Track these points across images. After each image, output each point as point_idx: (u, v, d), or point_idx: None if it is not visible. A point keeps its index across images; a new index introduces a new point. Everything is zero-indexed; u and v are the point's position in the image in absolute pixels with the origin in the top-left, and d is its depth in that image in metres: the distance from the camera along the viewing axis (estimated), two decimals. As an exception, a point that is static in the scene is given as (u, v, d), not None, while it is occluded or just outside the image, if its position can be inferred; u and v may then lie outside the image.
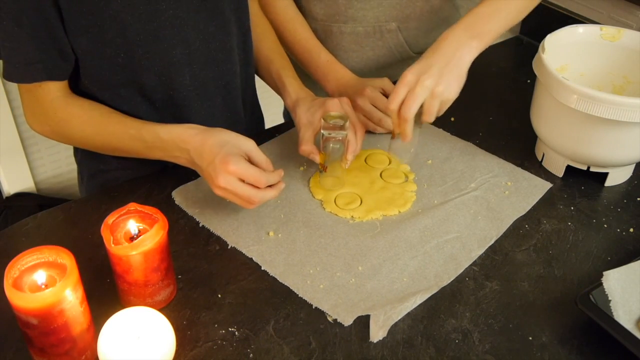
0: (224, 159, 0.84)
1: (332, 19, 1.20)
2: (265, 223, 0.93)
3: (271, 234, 0.92)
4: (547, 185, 1.02)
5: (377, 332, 0.78)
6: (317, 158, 0.97)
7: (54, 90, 0.91)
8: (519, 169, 1.05)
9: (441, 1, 1.23)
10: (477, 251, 0.90)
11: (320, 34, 1.22)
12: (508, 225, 0.94)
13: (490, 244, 0.91)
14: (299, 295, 0.82)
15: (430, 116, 0.93)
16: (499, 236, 0.92)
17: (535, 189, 1.01)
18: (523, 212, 0.96)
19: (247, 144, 0.88)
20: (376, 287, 0.84)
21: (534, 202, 0.98)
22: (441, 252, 0.89)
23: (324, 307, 0.81)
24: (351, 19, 1.19)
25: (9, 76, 0.89)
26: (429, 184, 1.02)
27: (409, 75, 0.91)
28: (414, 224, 0.93)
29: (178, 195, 0.98)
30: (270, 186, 0.89)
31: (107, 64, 0.91)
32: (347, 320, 0.79)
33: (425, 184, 1.01)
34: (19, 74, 0.88)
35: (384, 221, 0.94)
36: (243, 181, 0.86)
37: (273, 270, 0.86)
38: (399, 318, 0.79)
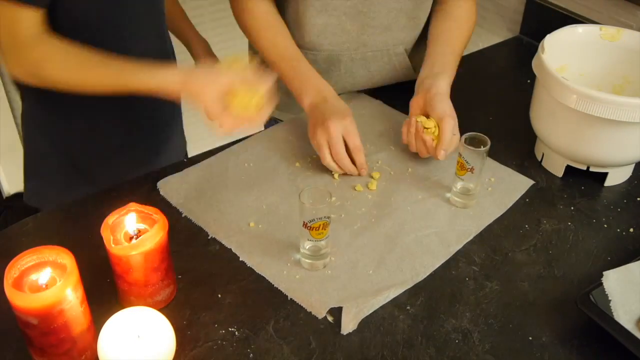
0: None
1: (341, 47, 1.16)
2: (246, 214, 0.94)
3: (252, 224, 0.92)
4: (529, 183, 1.02)
5: (348, 325, 0.78)
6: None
7: (30, 25, 0.87)
8: (502, 166, 1.05)
9: None
10: (455, 246, 0.90)
11: (324, 62, 1.18)
12: (489, 222, 0.94)
13: (469, 239, 0.91)
14: (275, 285, 0.83)
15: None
16: (478, 232, 0.93)
17: (518, 185, 1.02)
18: (504, 209, 0.97)
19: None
20: (351, 278, 0.85)
21: (515, 200, 0.99)
22: (419, 246, 0.90)
23: (298, 298, 0.81)
24: (362, 45, 1.16)
25: None
26: (412, 178, 1.02)
27: (453, 121, 1.00)
28: (394, 218, 0.94)
29: (163, 187, 0.98)
30: None
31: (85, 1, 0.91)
32: (320, 313, 0.80)
33: (408, 178, 1.02)
34: None
35: (365, 213, 0.95)
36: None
37: (251, 260, 0.87)
38: (370, 312, 0.80)
